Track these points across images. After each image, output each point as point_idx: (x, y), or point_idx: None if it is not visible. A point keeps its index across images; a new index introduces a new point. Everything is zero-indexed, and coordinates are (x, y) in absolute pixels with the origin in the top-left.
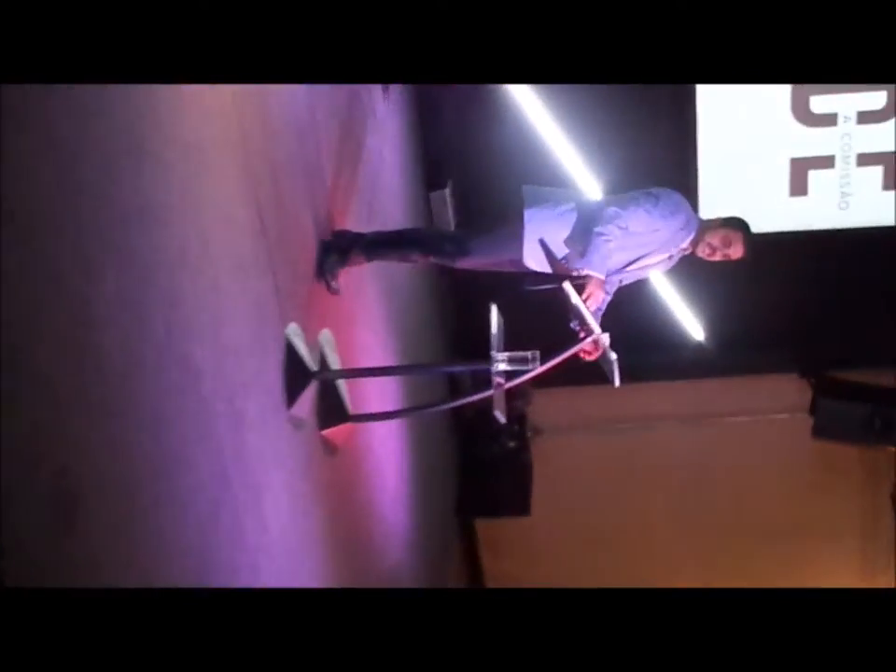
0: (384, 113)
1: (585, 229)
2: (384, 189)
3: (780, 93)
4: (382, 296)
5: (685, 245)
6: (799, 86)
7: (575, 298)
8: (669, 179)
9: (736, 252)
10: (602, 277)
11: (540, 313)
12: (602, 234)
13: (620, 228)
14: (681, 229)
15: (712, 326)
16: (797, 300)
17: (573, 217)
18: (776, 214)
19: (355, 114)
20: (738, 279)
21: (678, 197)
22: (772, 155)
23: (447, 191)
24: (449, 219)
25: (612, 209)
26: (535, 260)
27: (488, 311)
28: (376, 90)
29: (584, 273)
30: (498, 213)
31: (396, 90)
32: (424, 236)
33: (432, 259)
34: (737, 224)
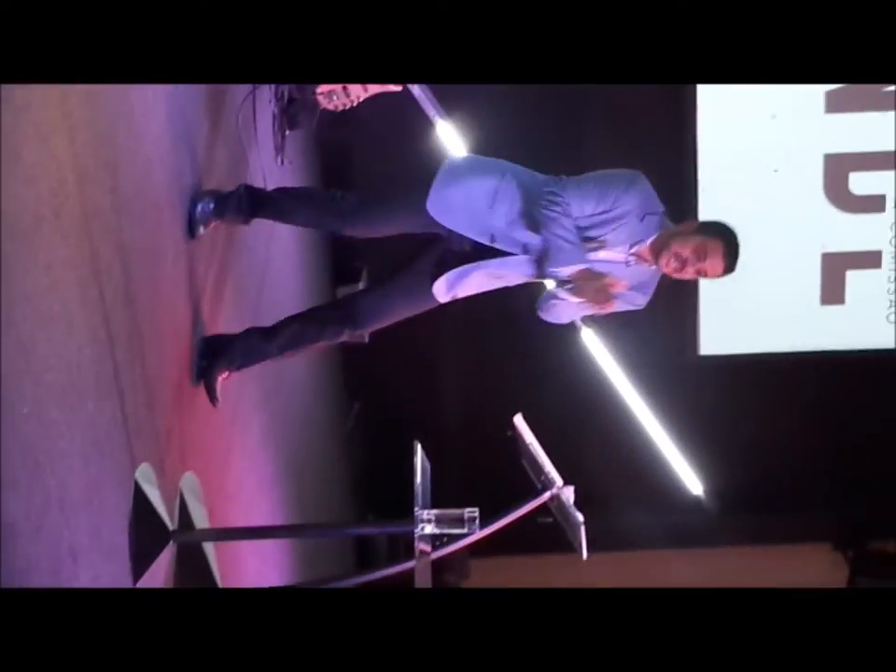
0: (278, 180)
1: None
2: (276, 280)
3: (811, 168)
4: (270, 421)
5: (643, 246)
6: (835, 160)
7: (528, 435)
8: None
9: (714, 268)
10: (581, 266)
11: (483, 450)
12: (549, 216)
13: (559, 205)
14: (638, 217)
15: (714, 476)
16: (829, 443)
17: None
18: (803, 327)
19: (239, 180)
20: (750, 412)
21: (638, 176)
22: (799, 249)
23: (360, 286)
24: None
25: (548, 189)
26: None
27: (410, 451)
28: (266, 148)
29: (561, 276)
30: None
31: (293, 151)
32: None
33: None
34: (716, 231)
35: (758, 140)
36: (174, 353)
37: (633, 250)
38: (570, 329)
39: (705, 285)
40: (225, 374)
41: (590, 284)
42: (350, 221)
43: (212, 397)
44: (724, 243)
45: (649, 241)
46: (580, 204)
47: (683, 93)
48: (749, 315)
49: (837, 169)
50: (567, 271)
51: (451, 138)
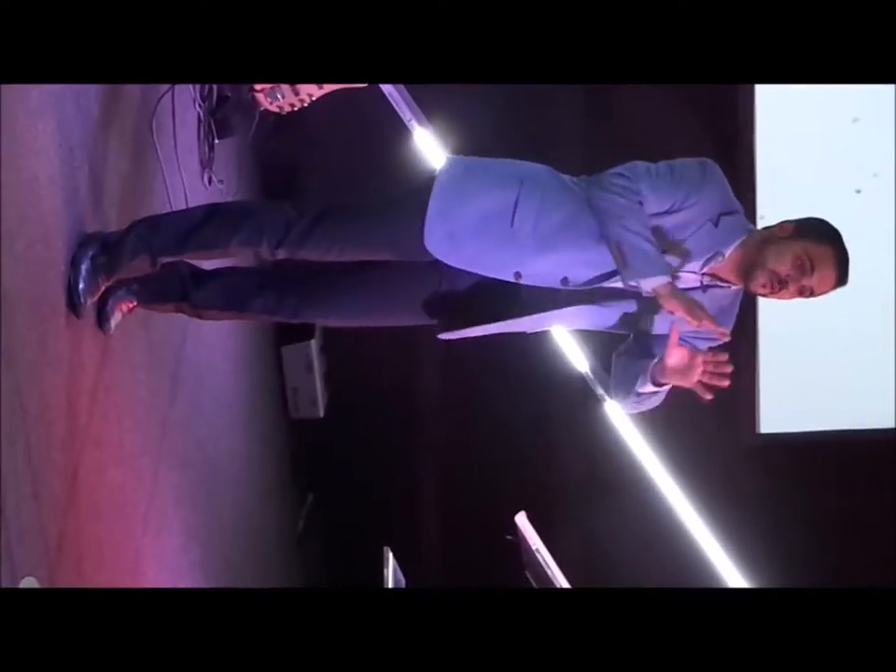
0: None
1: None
2: (199, 347)
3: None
4: (194, 519)
5: (720, 262)
6: None
7: (534, 539)
8: None
9: (823, 282)
10: (666, 279)
11: (471, 556)
12: (622, 205)
13: (636, 192)
14: (713, 220)
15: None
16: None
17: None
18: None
19: (152, 206)
20: (821, 504)
21: (709, 165)
22: (888, 297)
23: (312, 344)
24: (316, 392)
25: (614, 177)
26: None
27: (379, 559)
28: (189, 163)
29: (645, 289)
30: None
31: (224, 166)
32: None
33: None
34: (822, 233)
35: (834, 152)
36: (67, 432)
37: (707, 268)
38: (587, 400)
39: (765, 342)
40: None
41: (679, 295)
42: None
43: (103, 322)
44: (833, 248)
45: (728, 252)
46: (648, 199)
47: (734, 93)
48: (821, 383)
49: None
50: (651, 283)
51: (431, 149)
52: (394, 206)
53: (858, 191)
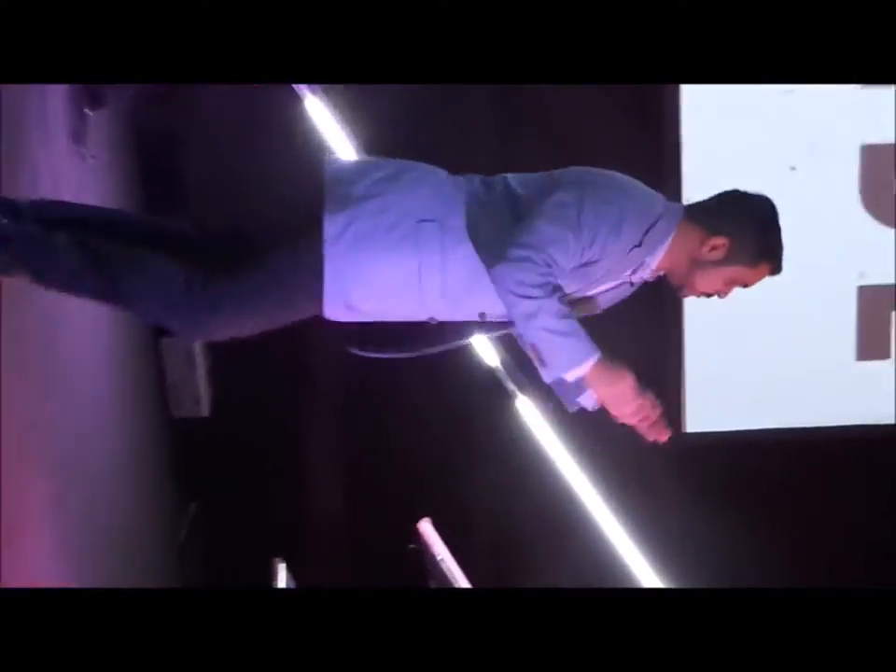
0: (77, 183)
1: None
2: (70, 340)
3: (843, 164)
4: (61, 522)
5: (647, 271)
6: (879, 153)
7: (438, 547)
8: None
9: (756, 282)
10: (591, 362)
11: (371, 561)
12: (524, 308)
13: (541, 281)
14: (636, 243)
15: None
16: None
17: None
18: (830, 391)
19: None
20: (752, 507)
21: (626, 191)
22: (826, 282)
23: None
24: (198, 389)
25: (519, 251)
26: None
27: (270, 570)
28: (57, 136)
29: (569, 381)
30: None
31: (98, 140)
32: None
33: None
34: (758, 251)
35: (766, 126)
36: None
37: (636, 277)
38: (501, 397)
39: (690, 337)
40: None
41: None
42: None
43: None
44: (771, 265)
45: (655, 263)
46: (557, 255)
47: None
48: (752, 378)
49: (881, 166)
50: (576, 373)
51: (327, 120)
52: (285, 274)
53: (792, 168)
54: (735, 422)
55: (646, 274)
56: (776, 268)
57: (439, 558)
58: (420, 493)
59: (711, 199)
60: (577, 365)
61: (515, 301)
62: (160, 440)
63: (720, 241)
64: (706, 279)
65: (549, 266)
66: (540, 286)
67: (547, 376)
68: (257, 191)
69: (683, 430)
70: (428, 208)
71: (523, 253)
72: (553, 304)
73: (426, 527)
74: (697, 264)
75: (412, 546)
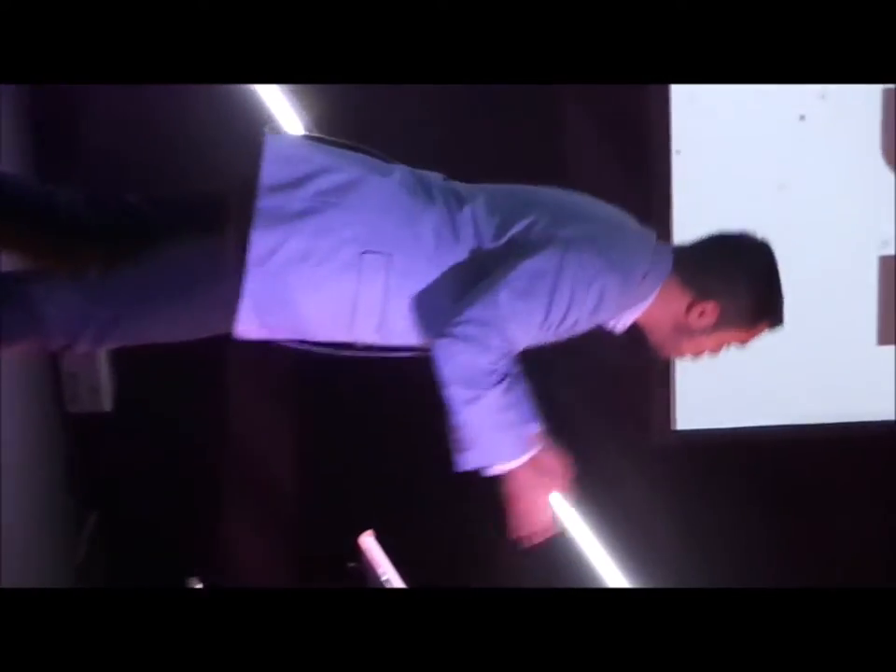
0: None
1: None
2: None
3: (861, 106)
4: None
5: (624, 325)
6: None
7: (383, 565)
8: None
9: (753, 335)
10: (519, 462)
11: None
12: (462, 398)
13: (495, 361)
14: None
15: None
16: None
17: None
18: (844, 384)
19: None
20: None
21: (613, 260)
22: (842, 250)
23: None
24: (98, 379)
25: (472, 328)
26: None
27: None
28: None
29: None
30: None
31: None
32: None
33: None
34: (755, 313)
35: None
36: None
37: (614, 326)
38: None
39: None
40: None
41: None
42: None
43: None
44: (770, 321)
45: (631, 321)
46: (517, 333)
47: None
48: (753, 367)
49: None
50: (493, 471)
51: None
52: (197, 292)
53: (802, 117)
54: (732, 418)
55: (620, 328)
56: (775, 323)
57: (384, 578)
58: (358, 501)
59: (699, 248)
60: (501, 462)
61: (452, 385)
62: (55, 439)
63: (708, 306)
64: (692, 345)
65: (503, 351)
66: (488, 374)
67: (461, 462)
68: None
69: (673, 427)
70: (378, 236)
71: (475, 332)
72: (496, 397)
73: (368, 542)
74: (683, 330)
75: (351, 564)
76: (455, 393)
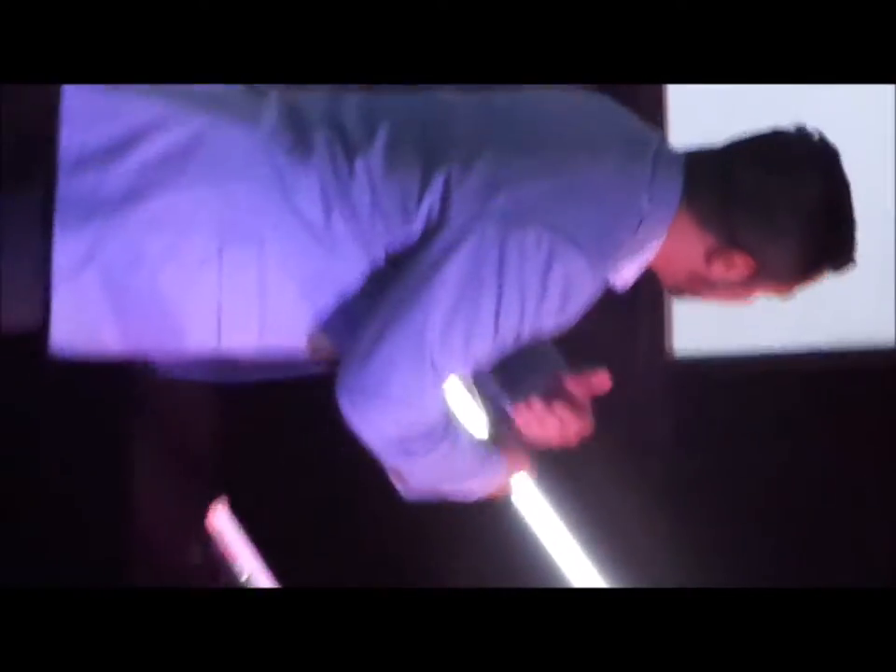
0: None
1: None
2: None
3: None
4: None
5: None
6: None
7: (236, 544)
8: None
9: (805, 285)
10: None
11: None
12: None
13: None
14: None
15: None
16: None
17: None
18: (864, 302)
19: None
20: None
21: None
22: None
23: None
24: None
25: (372, 385)
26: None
27: None
28: None
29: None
30: None
31: None
32: None
33: None
34: (815, 259)
35: None
36: None
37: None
38: None
39: None
40: None
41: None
42: None
43: None
44: (837, 265)
45: (632, 274)
46: (452, 361)
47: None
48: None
49: None
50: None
51: None
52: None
53: None
54: (737, 341)
55: (621, 284)
56: (842, 267)
57: (243, 578)
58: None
59: (725, 165)
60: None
61: (383, 455)
62: None
63: (738, 257)
64: (716, 295)
65: (440, 406)
66: (424, 436)
67: (404, 492)
68: None
69: (670, 354)
70: (239, 220)
71: (388, 390)
72: (442, 455)
73: (219, 516)
74: (702, 280)
75: (201, 545)
76: (390, 466)
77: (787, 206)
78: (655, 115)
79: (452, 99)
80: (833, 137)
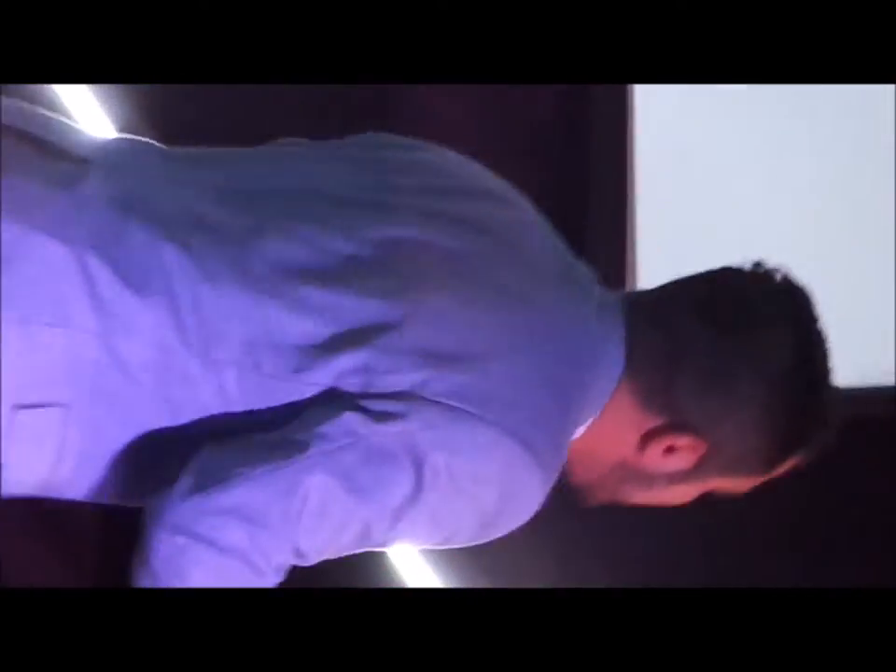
0: None
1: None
2: None
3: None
4: None
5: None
6: None
7: None
8: None
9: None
10: None
11: None
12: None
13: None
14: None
15: None
16: None
17: None
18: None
19: None
20: None
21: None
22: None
23: None
24: None
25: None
26: None
27: None
28: None
29: None
30: None
31: None
32: None
33: None
34: (802, 438)
35: None
36: None
37: None
38: None
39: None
40: None
41: None
42: None
43: None
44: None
45: None
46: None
47: None
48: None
49: None
50: None
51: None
52: None
53: None
54: None
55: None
56: (811, 455)
57: None
58: None
59: (669, 315)
60: None
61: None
62: None
63: (684, 441)
64: (641, 495)
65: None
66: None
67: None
68: None
69: None
70: (37, 373)
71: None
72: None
73: None
74: (629, 474)
75: None
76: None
77: (749, 372)
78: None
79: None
80: (833, 137)
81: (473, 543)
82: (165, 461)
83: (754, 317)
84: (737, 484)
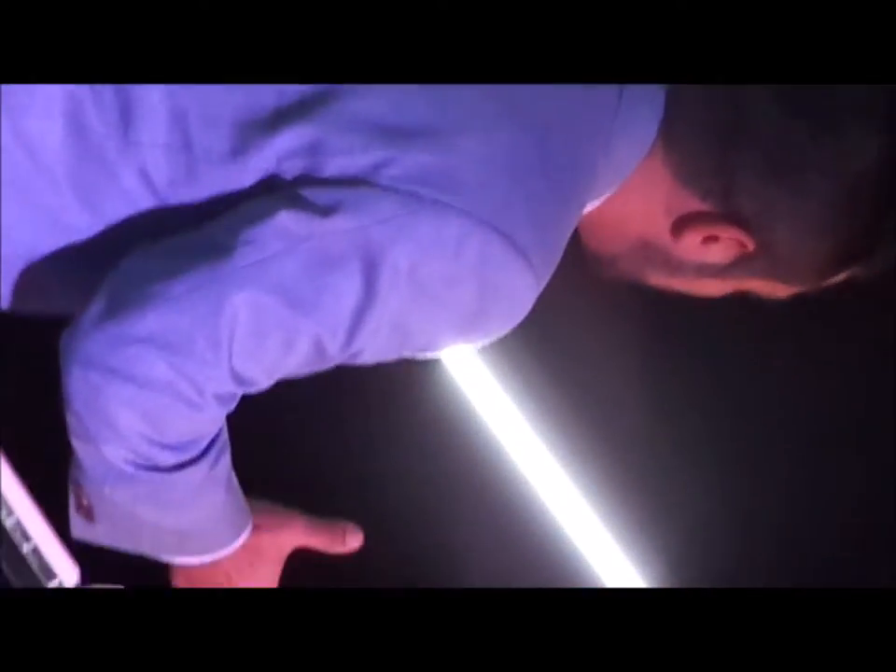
0: None
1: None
2: None
3: None
4: None
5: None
6: None
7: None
8: None
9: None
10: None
11: None
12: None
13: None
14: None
15: None
16: None
17: None
18: None
19: None
20: None
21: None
22: None
23: None
24: None
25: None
26: None
27: None
28: None
29: None
30: None
31: None
32: None
33: None
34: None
35: None
36: None
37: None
38: None
39: None
40: None
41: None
42: None
43: None
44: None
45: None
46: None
47: None
48: None
49: None
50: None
51: None
52: None
53: None
54: None
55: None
56: (883, 266)
57: (25, 549)
58: None
59: (735, 96)
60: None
61: (93, 469)
62: None
63: (730, 234)
64: (670, 281)
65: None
66: (185, 446)
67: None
68: None
69: None
70: None
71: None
72: (191, 482)
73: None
74: (658, 257)
75: None
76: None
77: (825, 164)
78: None
79: None
80: None
81: (454, 346)
82: (95, 272)
83: (842, 101)
84: (777, 290)
